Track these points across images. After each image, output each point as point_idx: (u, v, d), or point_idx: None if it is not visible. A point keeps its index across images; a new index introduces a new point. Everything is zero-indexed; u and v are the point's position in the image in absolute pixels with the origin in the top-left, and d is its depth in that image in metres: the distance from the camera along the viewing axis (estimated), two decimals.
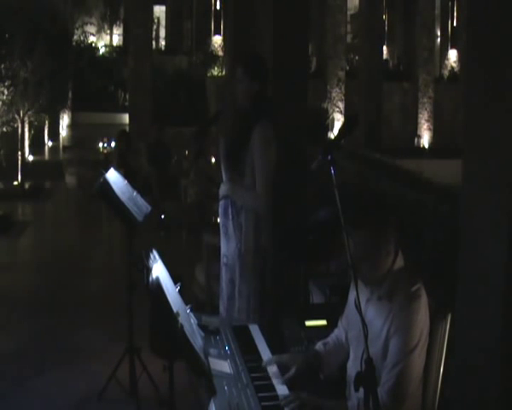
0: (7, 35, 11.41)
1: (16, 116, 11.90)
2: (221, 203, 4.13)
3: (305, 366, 2.82)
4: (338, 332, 2.96)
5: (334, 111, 20.93)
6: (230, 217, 4.04)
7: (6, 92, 11.37)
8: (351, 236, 2.41)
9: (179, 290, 2.68)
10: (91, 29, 24.24)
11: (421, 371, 2.60)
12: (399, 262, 2.66)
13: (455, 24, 24.53)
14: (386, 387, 2.49)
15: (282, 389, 2.67)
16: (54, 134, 18.97)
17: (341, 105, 21.02)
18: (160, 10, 26.09)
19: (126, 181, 4.73)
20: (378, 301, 2.62)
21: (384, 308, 2.60)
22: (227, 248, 4.08)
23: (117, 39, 25.86)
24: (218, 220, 4.27)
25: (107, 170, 4.55)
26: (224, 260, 4.11)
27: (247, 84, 4.04)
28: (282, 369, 2.79)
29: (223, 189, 4.12)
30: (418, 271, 2.73)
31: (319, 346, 2.96)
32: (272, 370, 2.78)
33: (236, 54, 9.64)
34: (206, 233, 5.55)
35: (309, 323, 3.44)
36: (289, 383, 2.70)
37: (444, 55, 24.84)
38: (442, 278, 4.37)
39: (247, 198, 4.01)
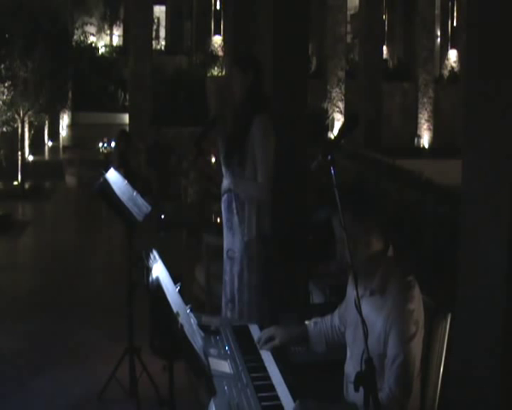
0: (7, 35, 11.42)
1: (16, 116, 11.90)
2: (224, 198, 4.21)
3: (289, 339, 2.98)
4: (333, 318, 2.99)
5: (334, 111, 20.93)
6: (235, 211, 4.13)
7: (6, 92, 11.37)
8: (332, 216, 2.42)
9: (179, 290, 2.68)
10: (91, 29, 24.24)
11: (419, 362, 2.61)
12: (390, 254, 2.66)
13: (455, 24, 24.53)
14: (393, 379, 2.51)
15: (265, 355, 2.81)
16: (54, 134, 18.98)
17: (341, 105, 21.02)
18: (159, 10, 26.11)
19: (126, 181, 4.73)
20: (370, 297, 2.63)
21: (376, 303, 2.60)
22: (232, 242, 4.17)
23: (117, 39, 25.88)
24: (219, 218, 4.33)
25: (107, 170, 4.56)
26: (228, 253, 4.20)
27: (240, 77, 4.15)
28: (268, 339, 2.93)
29: (225, 183, 4.20)
30: (416, 270, 2.73)
31: (310, 324, 3.04)
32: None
33: (236, 54, 9.63)
34: (206, 233, 5.55)
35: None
36: (271, 350, 2.87)
37: (444, 55, 24.85)
38: (442, 278, 4.37)
39: (251, 189, 4.10)
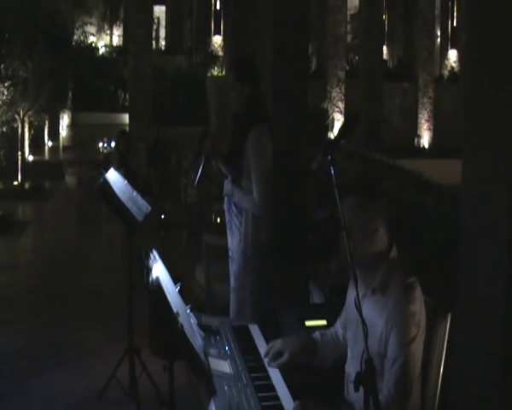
0: (7, 35, 11.41)
1: (16, 116, 11.90)
2: (225, 200, 4.27)
3: (298, 352, 2.84)
4: (336, 328, 2.98)
5: (334, 111, 20.93)
6: (233, 215, 4.18)
7: (6, 92, 11.37)
8: (340, 202, 2.41)
9: (179, 290, 2.67)
10: (91, 29, 24.25)
11: (420, 364, 2.60)
12: (393, 254, 2.66)
13: (455, 24, 24.53)
14: (392, 381, 2.50)
15: (274, 373, 2.70)
16: (54, 134, 18.98)
17: (341, 105, 21.02)
18: (159, 10, 26.10)
19: (126, 181, 4.73)
20: (372, 296, 2.62)
21: (378, 303, 2.60)
22: (231, 242, 4.24)
23: (117, 39, 25.88)
24: (219, 218, 4.36)
25: (107, 170, 4.56)
26: (230, 253, 4.27)
27: (238, 88, 4.13)
28: (276, 354, 2.81)
29: (226, 187, 4.24)
30: (416, 269, 2.72)
31: (316, 335, 2.98)
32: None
33: (236, 54, 9.63)
34: (206, 233, 5.55)
35: (309, 323, 3.44)
36: (280, 367, 2.74)
37: (444, 55, 24.84)
38: (442, 278, 4.37)
39: (245, 202, 4.13)
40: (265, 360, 2.80)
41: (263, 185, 4.08)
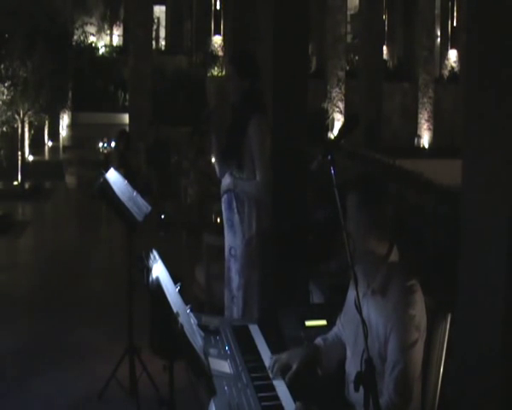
0: (7, 35, 11.41)
1: (16, 116, 11.89)
2: (224, 198, 4.30)
3: (305, 363, 2.81)
4: (337, 329, 2.96)
5: (334, 111, 20.94)
6: (235, 210, 4.22)
7: (6, 92, 11.36)
8: (343, 198, 2.41)
9: (179, 290, 2.68)
10: (91, 29, 24.26)
11: (420, 365, 2.60)
12: (394, 256, 2.65)
13: (455, 24, 24.54)
14: (392, 385, 2.49)
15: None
16: (54, 134, 18.99)
17: (341, 105, 21.03)
18: (160, 10, 26.10)
19: (126, 181, 4.73)
20: (372, 297, 2.61)
21: (377, 304, 2.59)
22: (233, 240, 4.26)
23: (117, 39, 25.89)
24: (219, 218, 4.41)
25: (107, 170, 4.56)
26: (231, 252, 4.29)
27: (237, 82, 4.21)
28: (283, 367, 2.76)
29: (225, 183, 4.28)
30: (416, 270, 2.72)
31: (319, 341, 2.95)
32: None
33: (235, 53, 9.62)
34: (206, 233, 5.55)
35: (309, 323, 3.43)
36: (290, 381, 2.69)
37: (444, 55, 24.85)
38: (442, 278, 4.37)
39: (250, 188, 4.18)
40: (270, 374, 2.73)
41: (266, 168, 4.17)
